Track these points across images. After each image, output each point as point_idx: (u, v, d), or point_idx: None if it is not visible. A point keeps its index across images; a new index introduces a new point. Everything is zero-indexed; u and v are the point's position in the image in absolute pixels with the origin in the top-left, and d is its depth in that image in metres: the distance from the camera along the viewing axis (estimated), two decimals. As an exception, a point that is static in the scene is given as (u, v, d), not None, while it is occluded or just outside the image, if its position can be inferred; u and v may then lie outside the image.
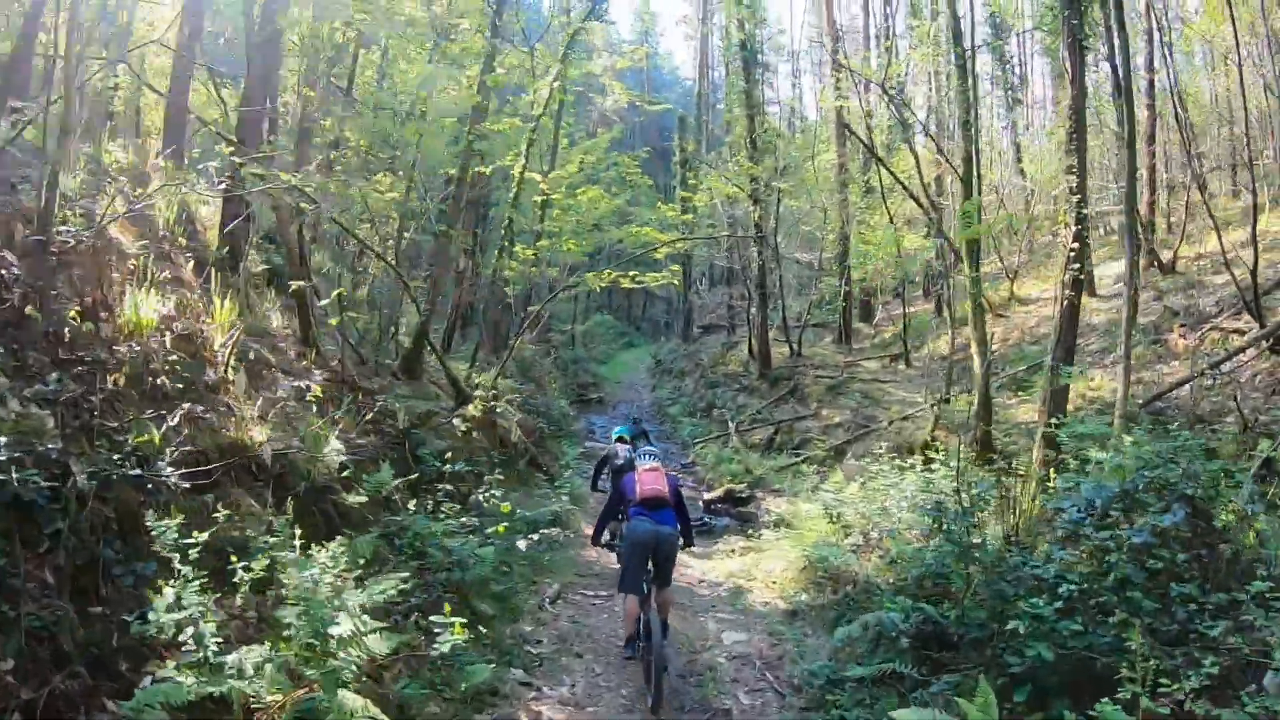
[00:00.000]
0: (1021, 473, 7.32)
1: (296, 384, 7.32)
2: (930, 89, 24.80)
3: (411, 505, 7.11)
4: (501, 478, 9.15)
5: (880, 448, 17.01)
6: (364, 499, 6.61)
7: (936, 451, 15.41)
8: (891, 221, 21.64)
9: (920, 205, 21.18)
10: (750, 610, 8.66)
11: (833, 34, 23.31)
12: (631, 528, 6.21)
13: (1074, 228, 9.28)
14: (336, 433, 7.07)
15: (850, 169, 25.14)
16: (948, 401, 16.08)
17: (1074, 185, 9.38)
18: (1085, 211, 9.42)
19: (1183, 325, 17.16)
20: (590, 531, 8.00)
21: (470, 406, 10.56)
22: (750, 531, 12.04)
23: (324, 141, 17.14)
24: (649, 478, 6.31)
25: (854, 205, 23.53)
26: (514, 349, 20.38)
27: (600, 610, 8.60)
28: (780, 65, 33.53)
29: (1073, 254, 9.22)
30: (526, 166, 14.03)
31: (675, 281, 19.25)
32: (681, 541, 6.51)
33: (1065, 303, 9.32)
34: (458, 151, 15.62)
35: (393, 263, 11.18)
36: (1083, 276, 10.08)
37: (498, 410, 13.98)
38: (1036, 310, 22.38)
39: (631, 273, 13.43)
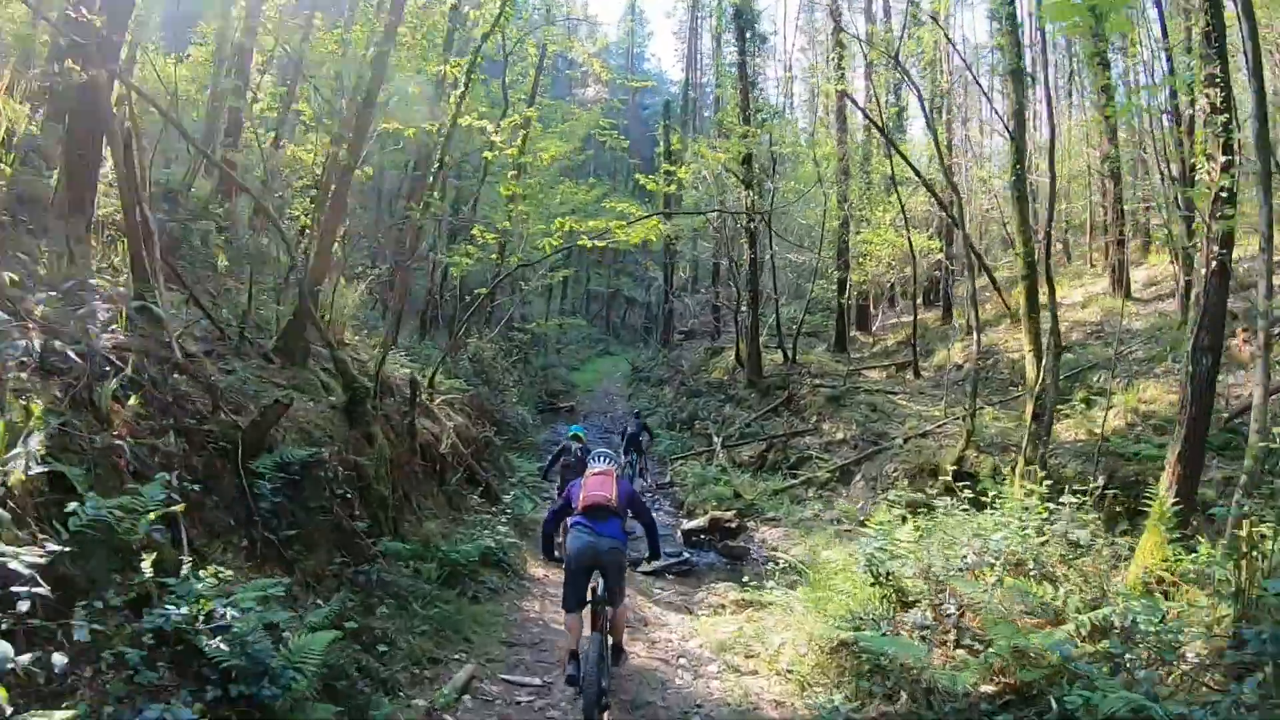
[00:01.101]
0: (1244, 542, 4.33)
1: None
2: (944, 70, 22.16)
3: (186, 563, 4.03)
4: (400, 501, 6.07)
5: (894, 469, 14.17)
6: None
7: (969, 477, 12.69)
8: (904, 213, 18.82)
9: (934, 195, 18.48)
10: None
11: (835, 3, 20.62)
12: (570, 540, 5.41)
13: (1220, 159, 6.32)
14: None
15: (850, 162, 22.43)
16: (971, 415, 13.19)
17: (1217, 102, 6.44)
18: (1233, 138, 6.49)
19: (1245, 329, 14.38)
20: (540, 572, 7.22)
21: (367, 404, 7.47)
22: (746, 579, 9.02)
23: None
24: (595, 482, 5.50)
25: (856, 197, 20.74)
26: (458, 340, 17.41)
27: (532, 716, 5.55)
28: (767, 69, 31.04)
29: (1223, 195, 6.28)
30: (464, 100, 10.98)
31: (654, 238, 16.38)
32: (647, 556, 6.08)
33: (1211, 279, 6.39)
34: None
35: (256, 192, 8.12)
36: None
37: (432, 409, 10.94)
38: (1068, 315, 19.61)
39: (589, 222, 10.47)
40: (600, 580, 5.40)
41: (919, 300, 19.90)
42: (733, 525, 12.55)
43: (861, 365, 19.62)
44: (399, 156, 25.14)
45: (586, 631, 5.43)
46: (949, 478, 12.91)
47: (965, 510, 7.19)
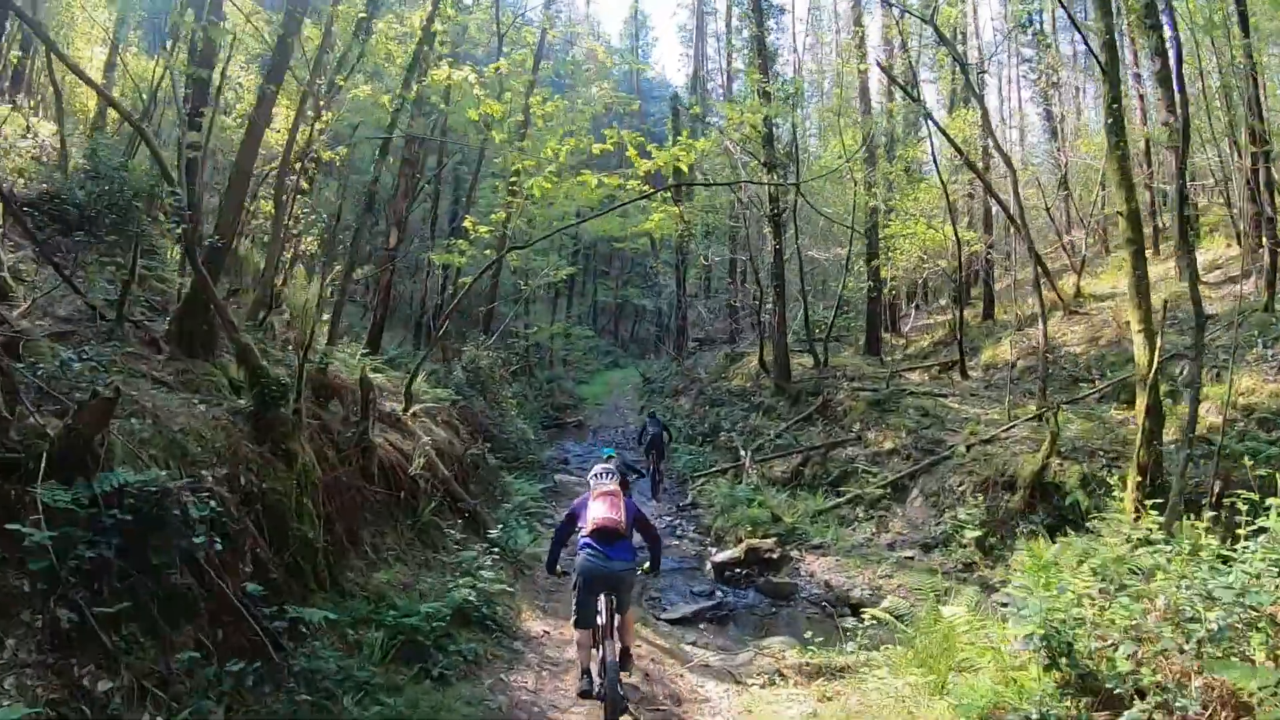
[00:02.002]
0: None
1: None
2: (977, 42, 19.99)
3: None
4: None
5: (960, 482, 11.87)
6: None
7: (1053, 489, 10.42)
8: (946, 194, 16.59)
9: (976, 171, 16.28)
10: None
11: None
12: (581, 562, 5.25)
13: None
14: None
15: (875, 147, 20.24)
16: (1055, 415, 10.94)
17: None
18: None
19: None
20: (540, 627, 6.65)
21: (282, 410, 5.24)
22: (809, 633, 6.71)
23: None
24: (602, 504, 5.31)
25: (883, 185, 18.50)
26: (443, 343, 15.28)
27: None
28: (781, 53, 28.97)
29: None
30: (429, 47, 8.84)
31: (668, 231, 14.27)
32: (647, 565, 5.96)
33: None
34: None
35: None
36: None
37: (404, 422, 8.74)
38: (1120, 307, 17.27)
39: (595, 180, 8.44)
40: (613, 598, 5.29)
41: (959, 295, 17.56)
42: (774, 555, 10.27)
43: (897, 369, 17.31)
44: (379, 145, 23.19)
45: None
46: (1029, 491, 10.72)
47: (1145, 543, 4.87)
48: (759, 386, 17.87)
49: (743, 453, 14.70)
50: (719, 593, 9.63)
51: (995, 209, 20.11)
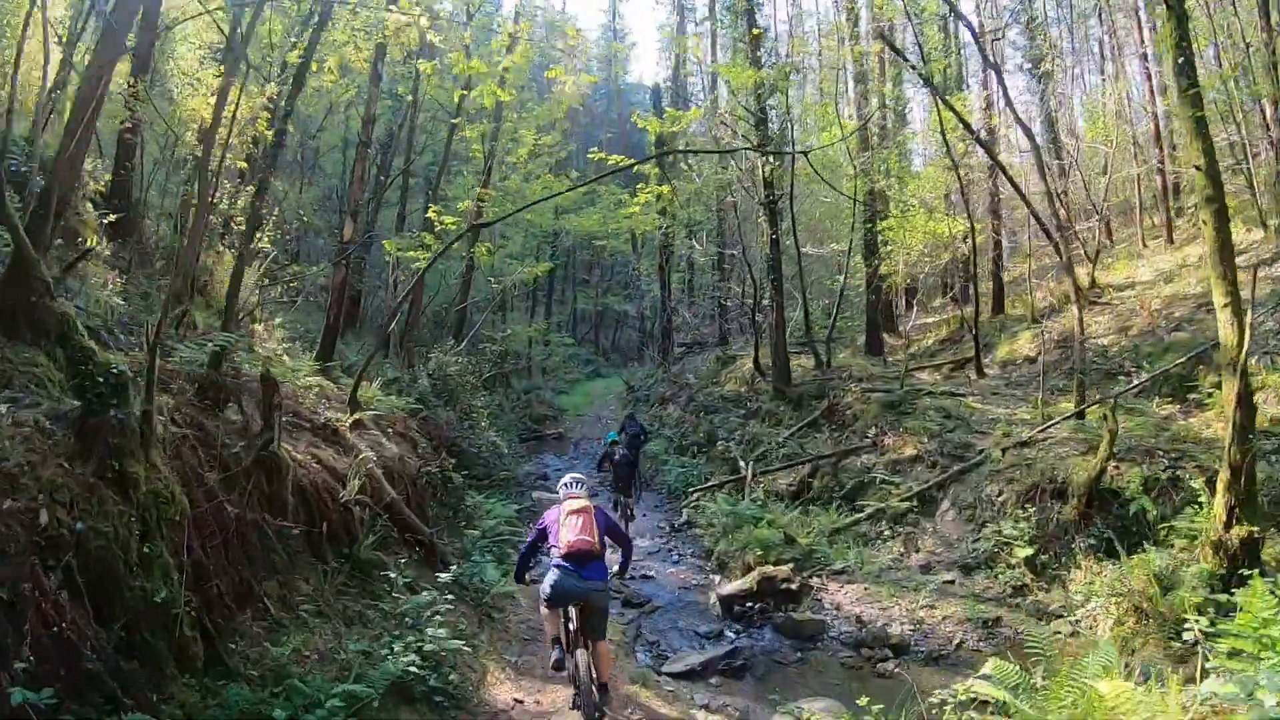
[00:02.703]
0: None
1: None
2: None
3: None
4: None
5: (999, 491, 10.31)
6: None
7: (1110, 495, 8.90)
8: (959, 176, 15.14)
9: (988, 151, 14.84)
10: None
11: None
12: (554, 579, 5.16)
13: None
14: None
15: (870, 134, 18.78)
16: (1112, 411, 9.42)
17: None
18: None
19: None
20: (510, 694, 5.52)
21: (114, 414, 3.50)
22: (863, 698, 4.99)
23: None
24: (575, 524, 5.14)
25: (886, 167, 17.04)
26: (406, 344, 13.60)
27: None
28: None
29: None
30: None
31: (653, 227, 12.71)
32: (615, 570, 5.99)
33: None
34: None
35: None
36: None
37: (341, 434, 7.02)
38: (1144, 296, 15.93)
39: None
40: (582, 616, 5.20)
41: (958, 290, 16.09)
42: (792, 585, 8.61)
43: (912, 366, 15.77)
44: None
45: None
46: (1084, 499, 9.20)
47: None
48: (755, 391, 16.25)
49: (743, 464, 13.06)
50: (730, 633, 7.95)
51: (1005, 194, 18.72)
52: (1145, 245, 19.49)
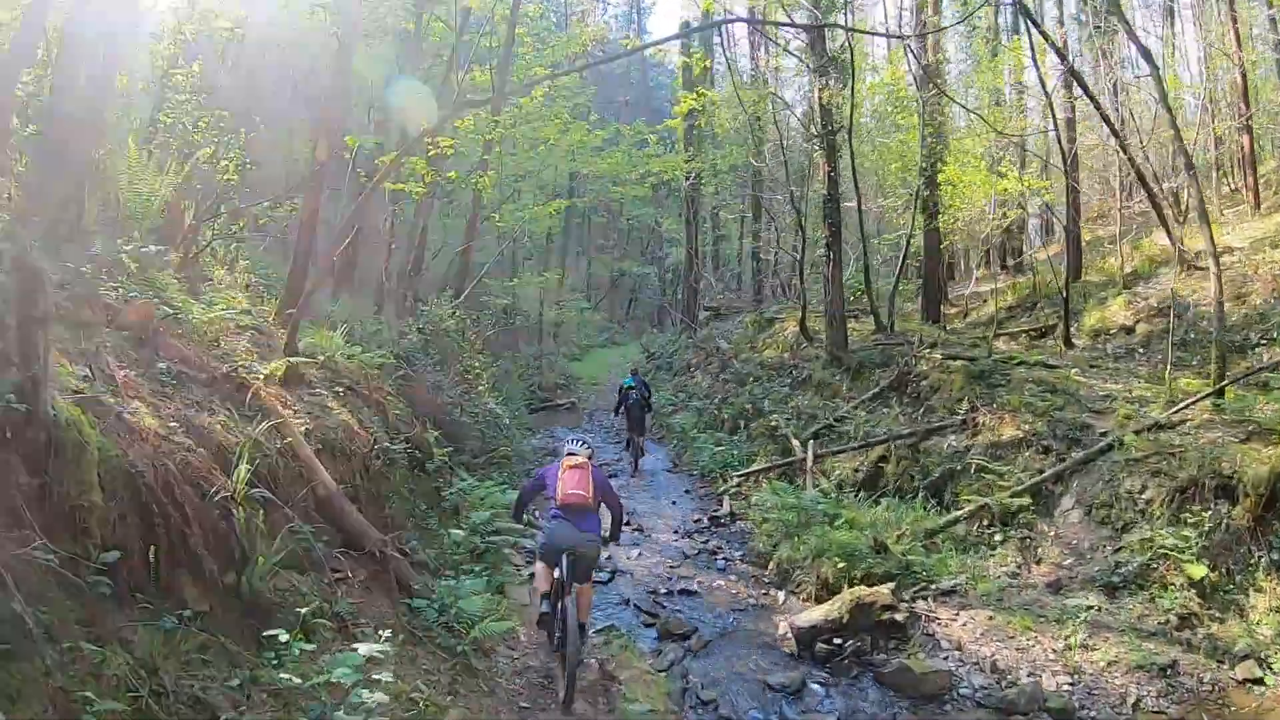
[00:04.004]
0: None
1: None
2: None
3: None
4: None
5: (1140, 486, 7.78)
6: None
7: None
8: (1054, 117, 12.41)
9: (1080, 83, 12.08)
10: None
11: None
12: (550, 529, 5.41)
13: None
14: None
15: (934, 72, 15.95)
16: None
17: None
18: None
19: None
20: None
21: None
22: None
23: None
24: (572, 478, 5.38)
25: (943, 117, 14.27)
26: (383, 289, 11.19)
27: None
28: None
29: None
30: None
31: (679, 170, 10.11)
32: (605, 536, 5.76)
33: None
34: None
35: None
36: None
37: (262, 395, 4.53)
38: (1252, 262, 13.20)
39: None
40: (571, 563, 5.27)
41: (1027, 252, 13.41)
42: (897, 615, 6.10)
43: (992, 332, 13.14)
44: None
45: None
46: (1261, 499, 6.77)
47: None
48: (802, 358, 13.66)
49: (796, 444, 10.53)
50: (815, 685, 5.46)
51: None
52: (1221, 214, 16.73)
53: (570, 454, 5.64)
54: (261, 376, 5.04)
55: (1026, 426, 9.23)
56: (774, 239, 18.46)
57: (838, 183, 12.53)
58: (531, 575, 6.01)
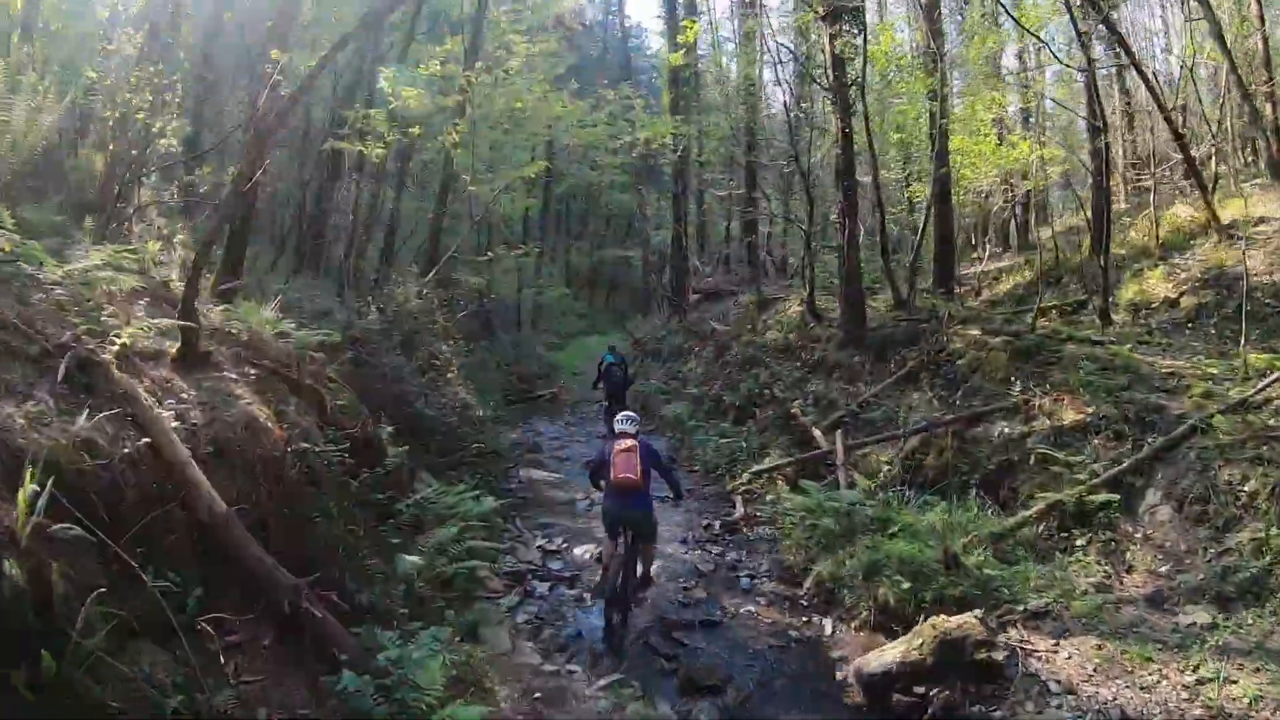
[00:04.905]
0: None
1: None
2: None
3: None
4: None
5: (1239, 476, 6.39)
6: None
7: None
8: (1091, 66, 11.05)
9: (1110, 26, 10.69)
10: None
11: None
12: (607, 507, 5.95)
13: None
14: None
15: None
16: None
17: None
18: None
19: None
20: None
21: None
22: None
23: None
24: (622, 461, 5.79)
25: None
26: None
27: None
28: None
29: None
30: None
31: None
32: (673, 497, 6.57)
33: None
34: None
35: None
36: None
37: (117, 378, 2.89)
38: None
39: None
40: (630, 533, 5.79)
41: (1103, 204, 12.06)
42: (994, 655, 4.64)
43: (1020, 310, 11.78)
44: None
45: None
46: None
47: None
48: (810, 338, 12.20)
49: (817, 434, 9.06)
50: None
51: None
52: (1237, 186, 15.53)
53: (622, 433, 6.06)
54: (115, 348, 3.44)
55: (1091, 409, 7.84)
56: (770, 212, 16.93)
57: (853, 143, 11.05)
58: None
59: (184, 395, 4.01)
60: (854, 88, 11.40)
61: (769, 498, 8.71)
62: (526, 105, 16.16)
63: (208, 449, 3.65)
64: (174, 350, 4.42)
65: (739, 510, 8.42)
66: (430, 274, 12.98)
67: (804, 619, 5.80)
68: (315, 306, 11.02)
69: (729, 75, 15.51)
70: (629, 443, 5.89)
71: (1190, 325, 10.83)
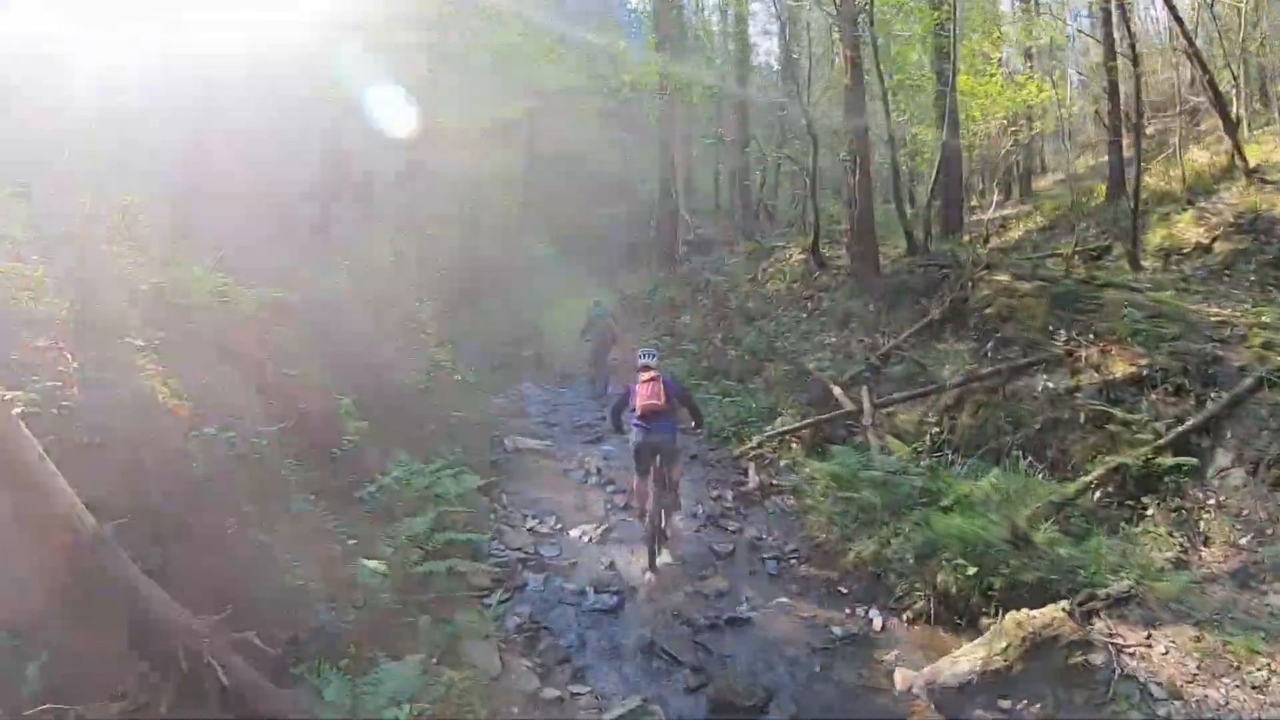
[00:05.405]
0: None
1: None
2: None
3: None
4: None
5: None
6: None
7: None
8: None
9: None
10: None
11: None
12: (633, 437, 6.14)
13: None
14: None
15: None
16: None
17: None
18: None
19: None
20: None
21: None
22: None
23: None
24: (645, 390, 6.06)
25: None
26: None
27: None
28: None
29: None
30: None
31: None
32: (694, 426, 6.87)
33: None
34: None
35: None
36: None
37: None
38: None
39: None
40: (658, 458, 5.97)
41: (1135, 134, 11.09)
42: (1092, 657, 3.81)
43: (1039, 255, 10.86)
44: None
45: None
46: None
47: None
48: (815, 288, 11.25)
49: (837, 391, 8.15)
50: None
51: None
52: (1252, 131, 14.59)
53: (644, 366, 6.22)
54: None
55: (1145, 361, 6.98)
56: (767, 153, 15.76)
57: (862, 73, 9.96)
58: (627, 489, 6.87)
59: (61, 369, 3.01)
60: (862, 14, 10.28)
61: (783, 462, 7.85)
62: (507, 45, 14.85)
63: (85, 439, 2.66)
64: (64, 312, 3.41)
65: (753, 479, 7.52)
66: (405, 230, 11.88)
67: (846, 611, 4.93)
68: (277, 265, 9.95)
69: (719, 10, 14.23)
70: (651, 374, 6.15)
71: (1228, 272, 10.00)
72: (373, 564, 3.72)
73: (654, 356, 6.46)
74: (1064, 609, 4.13)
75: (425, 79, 11.11)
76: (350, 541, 3.91)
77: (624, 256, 29.97)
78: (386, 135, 18.58)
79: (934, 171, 11.50)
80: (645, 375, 6.12)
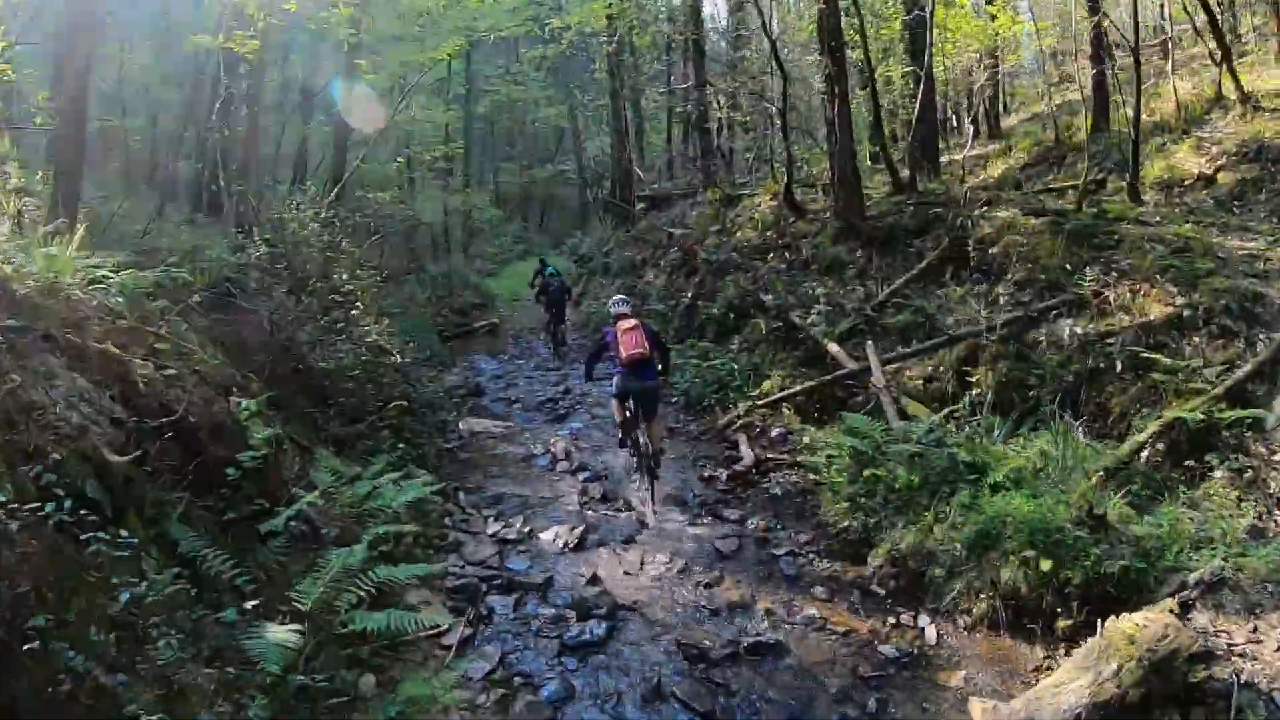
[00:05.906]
0: None
1: None
2: None
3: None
4: None
5: None
6: None
7: None
8: None
9: None
10: None
11: None
12: (618, 382, 6.19)
13: None
14: None
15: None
16: None
17: None
18: None
19: None
20: None
21: None
22: None
23: None
24: (630, 339, 6.01)
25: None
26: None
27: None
28: None
29: None
30: None
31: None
32: (660, 370, 6.38)
33: None
34: None
35: None
36: None
37: None
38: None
39: None
40: (639, 404, 6.05)
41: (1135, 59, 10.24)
42: (1217, 674, 3.00)
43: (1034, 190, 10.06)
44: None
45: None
46: None
47: None
48: (791, 235, 10.30)
49: (833, 348, 7.26)
50: None
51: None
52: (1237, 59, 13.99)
53: (621, 315, 6.19)
54: None
55: (1182, 300, 6.22)
56: (730, 92, 14.60)
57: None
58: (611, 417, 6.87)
59: None
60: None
61: (775, 432, 6.97)
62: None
63: None
64: None
65: (746, 454, 6.62)
66: (333, 192, 10.57)
67: (890, 620, 4.06)
68: (182, 245, 8.64)
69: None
70: (632, 321, 6.13)
71: (1238, 203, 9.36)
72: (277, 636, 2.69)
73: (628, 304, 6.46)
74: (1171, 610, 3.32)
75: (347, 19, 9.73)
76: (248, 604, 2.87)
77: (576, 216, 28.75)
78: (307, 89, 16.96)
79: (916, 104, 10.53)
80: (626, 324, 6.03)
